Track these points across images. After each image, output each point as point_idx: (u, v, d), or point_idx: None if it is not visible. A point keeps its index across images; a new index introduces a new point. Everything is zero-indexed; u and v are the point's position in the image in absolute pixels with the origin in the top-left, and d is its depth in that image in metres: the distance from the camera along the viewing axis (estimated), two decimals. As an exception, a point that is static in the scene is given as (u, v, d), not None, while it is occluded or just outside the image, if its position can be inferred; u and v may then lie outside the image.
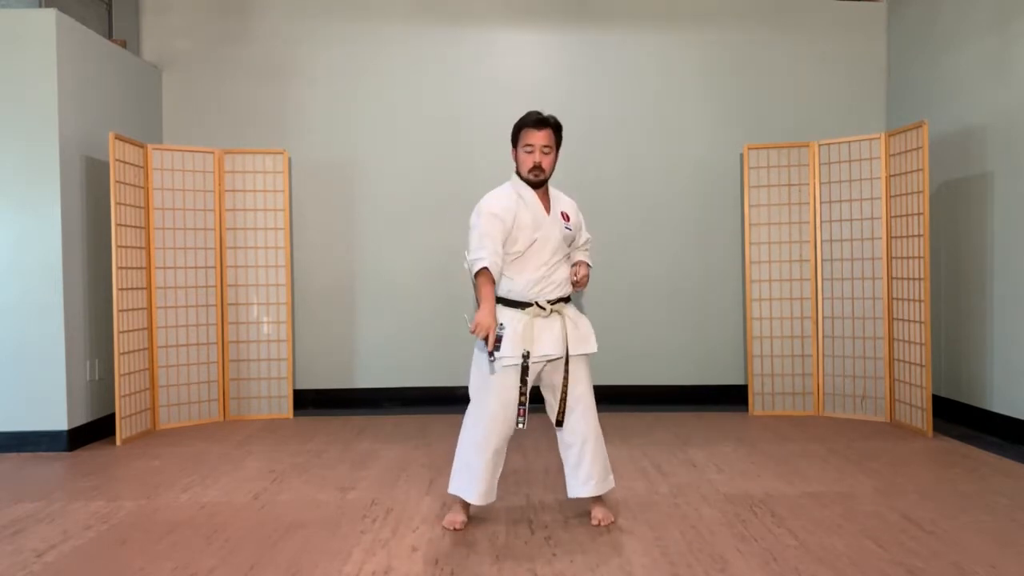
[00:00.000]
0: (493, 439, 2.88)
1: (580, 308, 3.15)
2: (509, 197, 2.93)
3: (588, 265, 3.08)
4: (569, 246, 3.02)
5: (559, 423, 2.92)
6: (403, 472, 3.77)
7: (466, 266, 2.85)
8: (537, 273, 2.90)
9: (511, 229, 2.87)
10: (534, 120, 2.91)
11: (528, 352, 2.82)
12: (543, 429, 3.09)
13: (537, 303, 2.89)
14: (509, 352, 2.81)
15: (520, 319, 2.86)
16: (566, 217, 3.00)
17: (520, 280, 2.90)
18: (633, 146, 5.50)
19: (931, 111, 4.99)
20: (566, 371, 2.90)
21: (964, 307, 4.75)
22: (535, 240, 2.90)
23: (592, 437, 2.96)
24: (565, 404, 2.91)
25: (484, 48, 5.49)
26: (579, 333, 2.95)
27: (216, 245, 4.99)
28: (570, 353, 2.90)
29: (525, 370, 2.82)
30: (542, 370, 2.93)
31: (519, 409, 2.82)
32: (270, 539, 2.86)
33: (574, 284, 3.02)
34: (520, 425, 2.84)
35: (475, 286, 2.84)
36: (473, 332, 2.74)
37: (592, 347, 2.99)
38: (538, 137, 2.90)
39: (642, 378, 5.49)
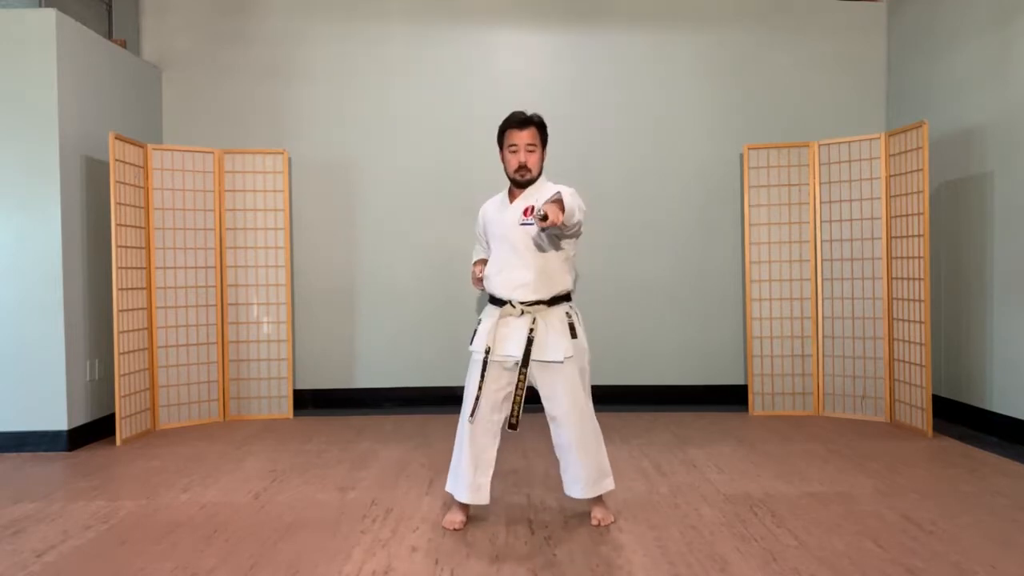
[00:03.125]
0: (466, 434, 2.93)
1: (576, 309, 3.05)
2: (491, 201, 3.12)
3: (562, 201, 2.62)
4: (545, 242, 2.88)
5: (511, 426, 2.85)
6: (403, 472, 3.77)
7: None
8: (505, 274, 2.93)
9: (484, 228, 3.12)
10: (517, 120, 2.92)
11: (489, 348, 2.86)
12: (544, 430, 3.08)
13: (511, 303, 2.91)
14: (477, 347, 2.92)
15: (492, 315, 2.94)
16: (527, 212, 2.88)
17: (495, 279, 2.96)
18: (633, 146, 5.49)
19: (931, 111, 4.99)
20: (520, 375, 2.82)
21: (964, 307, 4.75)
22: (495, 239, 3.02)
23: (576, 446, 2.92)
24: (519, 408, 2.83)
25: (484, 48, 5.49)
26: (544, 339, 2.84)
27: (216, 245, 4.99)
28: (531, 358, 2.83)
29: (484, 365, 2.87)
30: (528, 372, 2.84)
31: (473, 403, 2.88)
32: (270, 539, 2.86)
33: (542, 221, 2.57)
34: (469, 420, 2.89)
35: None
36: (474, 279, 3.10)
37: (551, 356, 2.83)
38: (522, 136, 2.91)
39: (642, 378, 5.49)
